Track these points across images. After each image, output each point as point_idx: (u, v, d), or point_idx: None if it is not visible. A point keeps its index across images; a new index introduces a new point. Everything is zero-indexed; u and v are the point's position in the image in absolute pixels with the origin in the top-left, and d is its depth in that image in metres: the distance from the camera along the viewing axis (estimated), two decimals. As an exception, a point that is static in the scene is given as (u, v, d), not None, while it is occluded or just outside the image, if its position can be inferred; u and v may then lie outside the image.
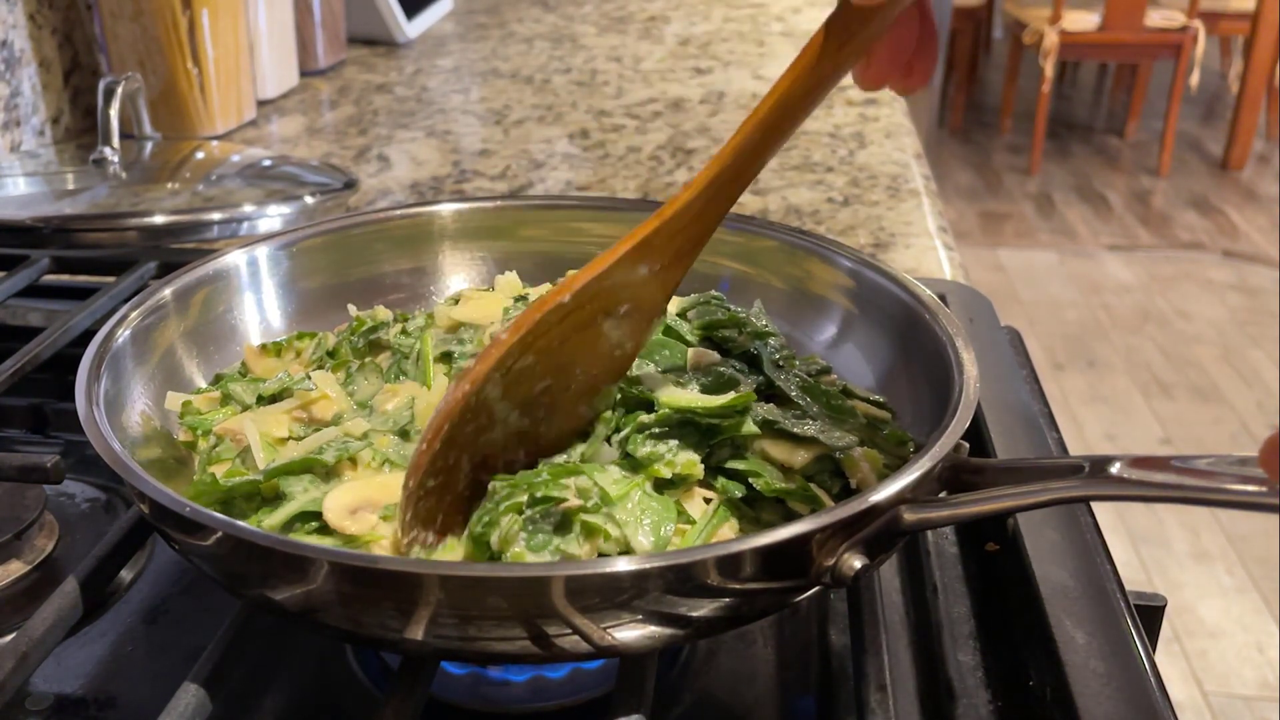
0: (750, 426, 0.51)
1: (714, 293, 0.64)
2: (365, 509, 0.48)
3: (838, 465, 0.52)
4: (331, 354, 0.61)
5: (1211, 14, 4.41)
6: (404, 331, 0.61)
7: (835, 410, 0.55)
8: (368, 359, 0.60)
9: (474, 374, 0.47)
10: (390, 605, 0.41)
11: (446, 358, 0.58)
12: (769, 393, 0.55)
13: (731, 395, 0.52)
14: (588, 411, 0.52)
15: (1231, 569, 2.30)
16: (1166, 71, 4.68)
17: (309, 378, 0.58)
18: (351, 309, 0.65)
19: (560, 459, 0.51)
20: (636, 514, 0.47)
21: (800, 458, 0.51)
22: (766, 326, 0.60)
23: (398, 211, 0.71)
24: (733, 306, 0.63)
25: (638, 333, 0.51)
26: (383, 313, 0.64)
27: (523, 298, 0.66)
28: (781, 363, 0.58)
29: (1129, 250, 3.91)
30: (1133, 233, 4.05)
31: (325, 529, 0.47)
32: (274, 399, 0.57)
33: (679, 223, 0.48)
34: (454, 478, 0.48)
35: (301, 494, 0.49)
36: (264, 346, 0.63)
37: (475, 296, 0.64)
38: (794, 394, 0.55)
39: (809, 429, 0.51)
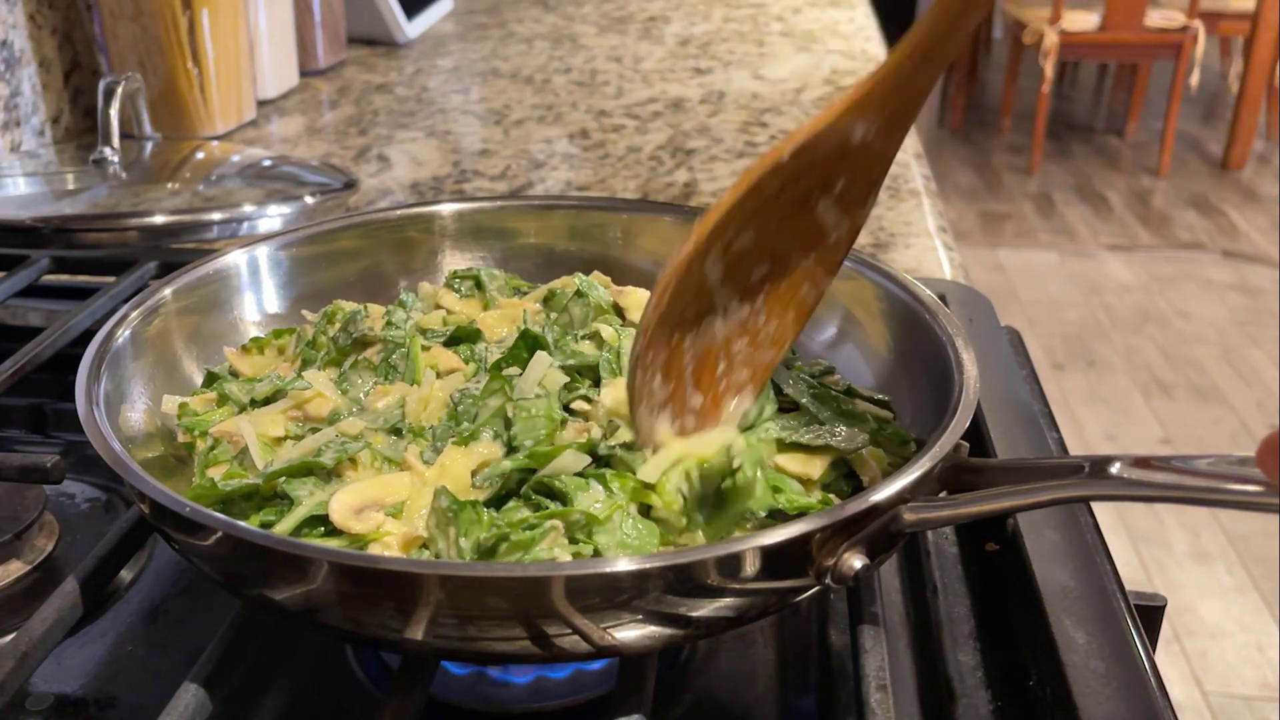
0: (762, 495, 0.48)
1: None
2: (370, 508, 0.48)
3: (849, 468, 0.52)
4: (311, 344, 0.61)
5: (1211, 14, 4.41)
6: (390, 323, 0.61)
7: (846, 415, 0.54)
8: (360, 357, 0.59)
9: (696, 234, 0.47)
10: (390, 605, 0.41)
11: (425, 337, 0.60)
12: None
13: (717, 447, 0.49)
14: (809, 294, 0.52)
15: (1231, 569, 2.30)
16: (1166, 71, 4.68)
17: (301, 377, 0.57)
18: (306, 314, 0.65)
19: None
20: (620, 537, 0.46)
21: (817, 467, 0.50)
22: None
23: (398, 211, 0.71)
24: None
25: (854, 213, 0.50)
26: (348, 305, 0.64)
27: (519, 290, 0.66)
28: (788, 365, 0.58)
29: (1129, 250, 3.91)
30: (1133, 233, 4.05)
31: (333, 531, 0.47)
32: (268, 400, 0.57)
33: (893, 81, 0.46)
34: (676, 359, 0.49)
35: (308, 498, 0.49)
36: (244, 347, 0.63)
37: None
38: (805, 401, 0.54)
39: (823, 438, 0.51)
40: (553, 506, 0.47)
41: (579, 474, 0.48)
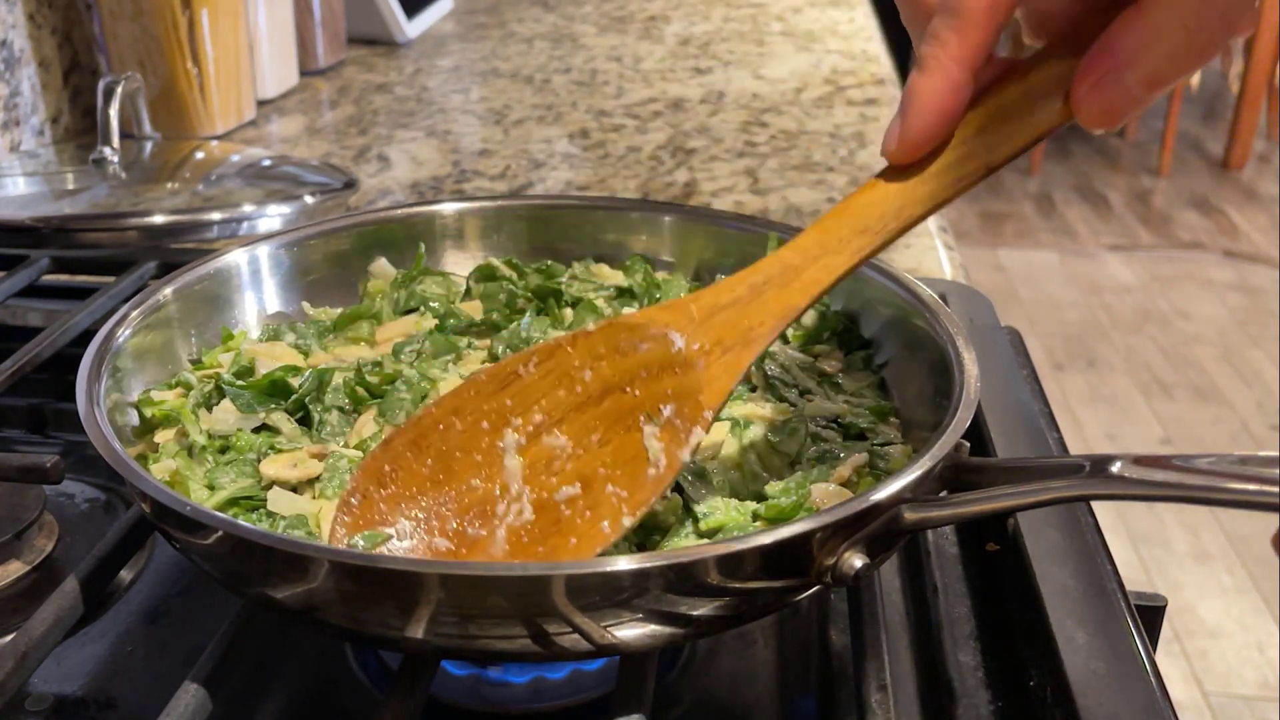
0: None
1: None
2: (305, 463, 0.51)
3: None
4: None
5: (1211, 14, 4.40)
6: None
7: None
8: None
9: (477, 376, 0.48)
10: (391, 604, 0.41)
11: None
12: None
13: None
14: (608, 534, 0.45)
15: (1231, 569, 2.30)
16: (1166, 71, 4.67)
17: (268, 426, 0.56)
18: (305, 306, 0.66)
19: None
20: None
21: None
22: None
23: (398, 211, 0.71)
24: None
25: (674, 448, 0.45)
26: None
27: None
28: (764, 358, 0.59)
29: (1129, 250, 3.91)
30: (1133, 233, 4.05)
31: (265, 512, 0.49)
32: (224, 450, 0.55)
33: (718, 300, 0.46)
34: (415, 480, 0.46)
35: (231, 484, 0.51)
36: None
37: None
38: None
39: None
40: None
41: None
